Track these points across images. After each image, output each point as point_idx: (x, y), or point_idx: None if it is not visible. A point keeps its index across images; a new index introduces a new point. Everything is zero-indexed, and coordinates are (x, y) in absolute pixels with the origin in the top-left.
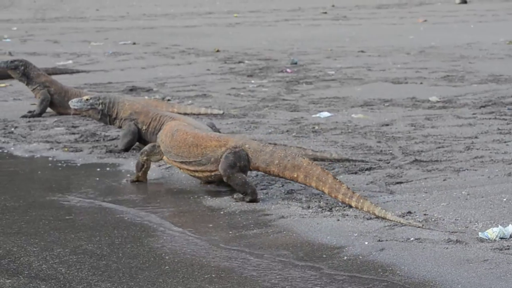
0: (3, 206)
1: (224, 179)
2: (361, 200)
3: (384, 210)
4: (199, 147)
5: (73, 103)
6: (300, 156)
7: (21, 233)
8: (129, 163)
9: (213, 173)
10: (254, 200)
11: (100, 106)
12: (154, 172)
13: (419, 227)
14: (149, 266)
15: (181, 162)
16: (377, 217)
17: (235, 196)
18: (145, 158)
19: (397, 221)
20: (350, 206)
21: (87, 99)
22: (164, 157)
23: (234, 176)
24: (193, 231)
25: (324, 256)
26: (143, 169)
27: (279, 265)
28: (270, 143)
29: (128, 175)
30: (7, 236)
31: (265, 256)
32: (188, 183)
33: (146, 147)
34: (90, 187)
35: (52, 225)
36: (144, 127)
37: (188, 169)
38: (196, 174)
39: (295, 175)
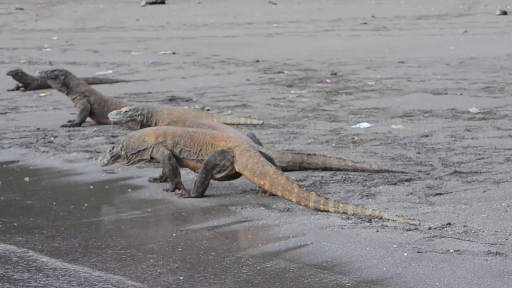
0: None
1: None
2: (341, 205)
3: (377, 210)
4: (213, 146)
5: (112, 116)
6: (268, 164)
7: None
8: None
9: None
10: (196, 197)
11: (139, 117)
12: (193, 181)
13: (412, 224)
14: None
15: (198, 161)
16: (371, 216)
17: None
18: (174, 159)
19: (394, 219)
20: (328, 212)
21: (126, 111)
22: (178, 161)
23: (204, 170)
24: (233, 242)
25: (363, 267)
26: (179, 172)
27: (318, 276)
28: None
29: (167, 185)
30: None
31: (304, 268)
32: (226, 193)
33: (167, 152)
34: (129, 198)
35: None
36: None
37: None
38: None
39: (262, 182)
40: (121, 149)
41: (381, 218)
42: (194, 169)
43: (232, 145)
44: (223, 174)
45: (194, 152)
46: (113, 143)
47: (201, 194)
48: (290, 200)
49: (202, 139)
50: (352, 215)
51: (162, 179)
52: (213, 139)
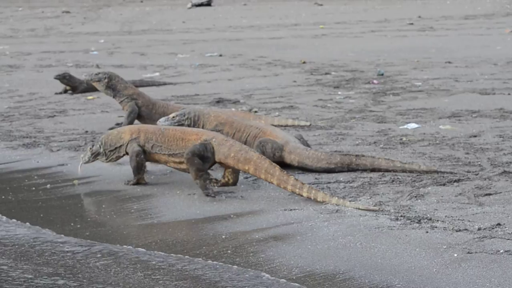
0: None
1: (184, 161)
2: (313, 191)
3: (342, 199)
4: (184, 141)
5: (161, 123)
6: (252, 150)
7: None
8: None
9: None
10: (205, 187)
11: (186, 121)
12: (242, 183)
13: (374, 210)
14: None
15: (169, 155)
16: (334, 204)
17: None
18: (142, 157)
19: (355, 207)
20: (301, 196)
21: (173, 117)
22: (150, 156)
23: (192, 159)
24: (283, 244)
25: (413, 268)
26: (143, 169)
27: (368, 277)
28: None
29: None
30: None
31: (354, 269)
32: (274, 195)
33: (137, 149)
34: (178, 200)
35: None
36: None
37: (174, 161)
38: (181, 166)
39: (247, 168)
40: (100, 147)
41: (345, 206)
42: (165, 163)
43: (206, 137)
44: (208, 166)
45: (165, 147)
46: None
47: (205, 184)
48: (271, 183)
49: (172, 135)
50: (322, 202)
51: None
52: (183, 134)
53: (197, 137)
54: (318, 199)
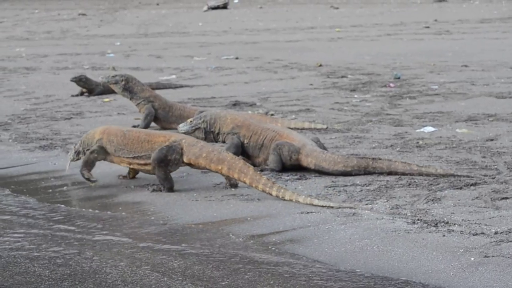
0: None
1: (151, 167)
2: (282, 190)
3: (309, 197)
4: (150, 143)
5: (180, 128)
6: (225, 151)
7: None
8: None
9: None
10: (168, 192)
11: (203, 124)
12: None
13: (351, 207)
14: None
15: (133, 158)
16: (304, 204)
17: (151, 187)
18: (95, 155)
19: (327, 205)
20: (270, 195)
21: (191, 121)
22: (113, 158)
23: (160, 168)
24: (300, 247)
25: (429, 271)
26: (92, 166)
27: (385, 280)
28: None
29: (156, 185)
30: None
31: (372, 273)
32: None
33: (94, 147)
34: (195, 203)
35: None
36: (246, 141)
37: (138, 163)
38: (146, 167)
39: (220, 167)
40: (80, 146)
41: (313, 204)
42: (130, 165)
43: (175, 139)
44: (176, 168)
45: (127, 150)
46: None
47: (171, 189)
48: (244, 182)
49: (136, 137)
50: (290, 200)
51: (130, 175)
52: (149, 136)
53: (165, 139)
54: (286, 198)
